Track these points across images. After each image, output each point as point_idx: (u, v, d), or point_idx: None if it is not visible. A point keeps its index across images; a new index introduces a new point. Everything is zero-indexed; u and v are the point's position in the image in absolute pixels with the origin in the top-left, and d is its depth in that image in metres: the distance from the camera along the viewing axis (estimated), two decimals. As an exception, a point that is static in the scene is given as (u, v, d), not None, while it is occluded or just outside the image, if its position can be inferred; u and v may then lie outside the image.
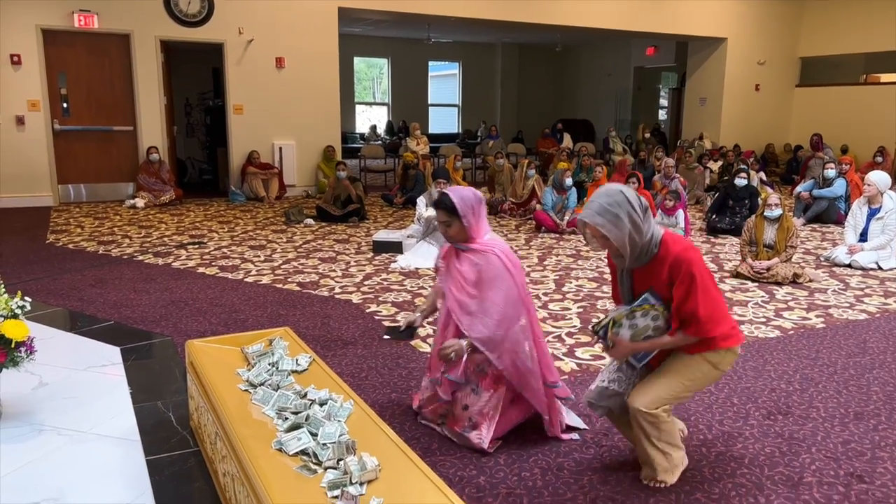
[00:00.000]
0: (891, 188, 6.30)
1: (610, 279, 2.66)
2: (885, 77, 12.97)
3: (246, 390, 2.49)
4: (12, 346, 2.73)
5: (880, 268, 5.91)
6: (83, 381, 3.36)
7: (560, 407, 2.87)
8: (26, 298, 2.88)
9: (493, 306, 2.69)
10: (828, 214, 8.23)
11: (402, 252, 6.20)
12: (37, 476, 2.48)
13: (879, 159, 10.20)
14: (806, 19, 13.59)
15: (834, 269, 5.98)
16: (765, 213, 5.60)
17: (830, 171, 8.25)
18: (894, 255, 6.01)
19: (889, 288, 5.32)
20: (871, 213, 6.19)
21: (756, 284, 5.37)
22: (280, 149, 10.05)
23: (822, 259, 6.32)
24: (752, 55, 13.29)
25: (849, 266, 5.99)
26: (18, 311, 2.81)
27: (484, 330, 2.69)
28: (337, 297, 4.89)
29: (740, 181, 7.56)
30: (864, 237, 6.18)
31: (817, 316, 4.57)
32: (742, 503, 2.34)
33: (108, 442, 2.74)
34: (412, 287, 5.15)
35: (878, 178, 6.22)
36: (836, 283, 5.49)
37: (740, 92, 13.35)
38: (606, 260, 2.55)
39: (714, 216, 7.70)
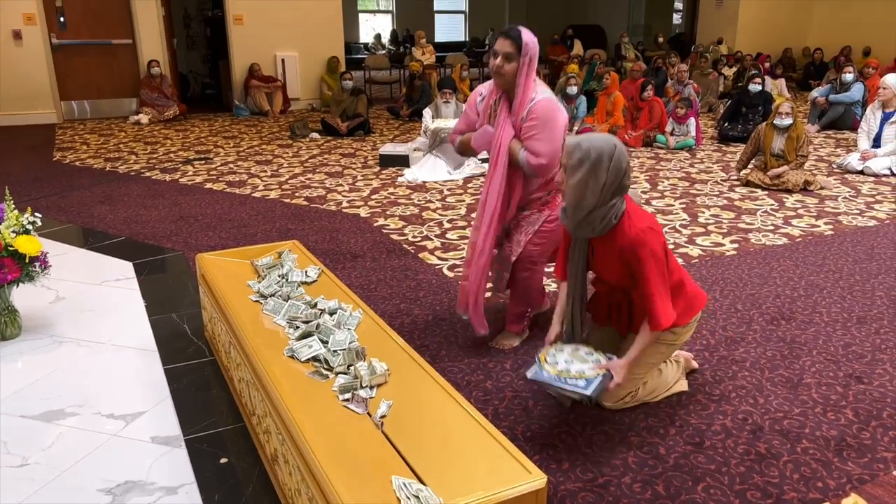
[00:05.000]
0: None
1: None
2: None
3: (257, 301, 2.54)
4: (27, 260, 2.78)
5: (893, 174, 5.84)
6: (99, 295, 3.43)
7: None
8: (37, 214, 2.91)
9: (552, 135, 2.54)
10: (843, 121, 8.04)
11: (408, 165, 6.16)
12: (61, 384, 2.58)
13: (900, 62, 9.90)
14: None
15: (846, 176, 5.90)
16: (775, 122, 5.48)
17: (848, 76, 8.00)
18: (908, 160, 5.92)
19: (901, 194, 5.27)
20: (886, 118, 6.05)
21: (766, 192, 5.32)
22: (283, 60, 9.83)
23: (834, 166, 6.23)
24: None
25: (861, 173, 5.92)
26: (30, 227, 2.84)
27: (544, 149, 2.53)
28: (345, 211, 4.90)
29: (754, 87, 7.37)
30: (877, 143, 6.07)
31: (826, 223, 4.55)
32: (742, 403, 2.41)
33: (126, 352, 2.83)
34: (419, 201, 5.15)
35: (894, 80, 6.02)
36: (848, 189, 5.44)
37: (759, -8, 12.81)
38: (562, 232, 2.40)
39: (727, 124, 7.55)
